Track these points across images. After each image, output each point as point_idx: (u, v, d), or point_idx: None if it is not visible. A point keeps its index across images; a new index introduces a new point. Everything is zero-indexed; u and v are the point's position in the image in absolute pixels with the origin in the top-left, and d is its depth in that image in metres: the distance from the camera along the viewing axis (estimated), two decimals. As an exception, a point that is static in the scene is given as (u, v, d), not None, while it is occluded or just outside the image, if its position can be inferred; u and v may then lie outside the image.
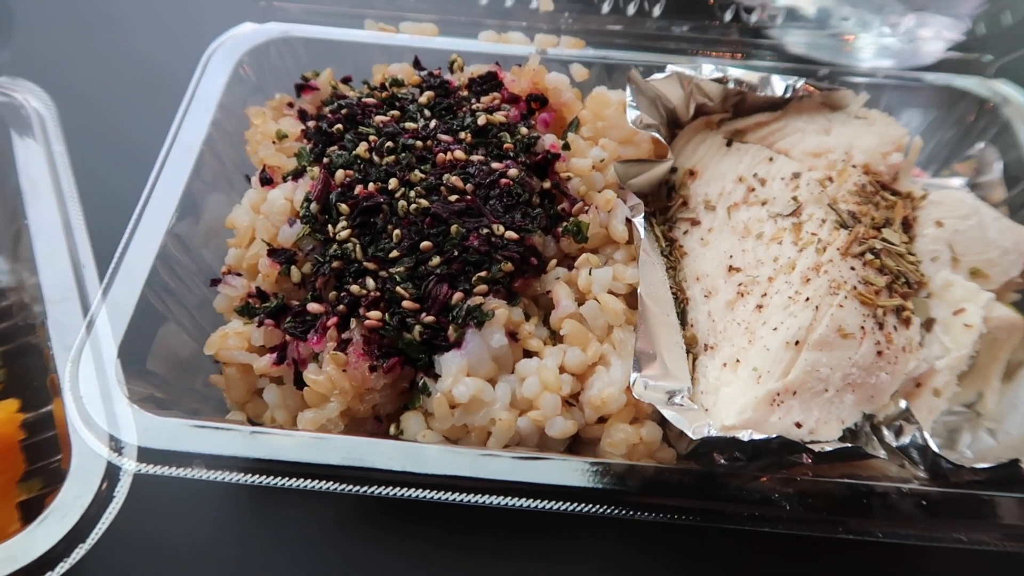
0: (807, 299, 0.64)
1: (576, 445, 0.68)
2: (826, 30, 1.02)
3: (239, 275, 0.71)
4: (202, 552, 0.68)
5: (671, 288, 0.73)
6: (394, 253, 0.67)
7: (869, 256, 0.66)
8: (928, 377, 0.66)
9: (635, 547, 0.71)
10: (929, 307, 0.67)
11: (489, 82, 0.80)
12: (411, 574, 0.69)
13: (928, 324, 0.67)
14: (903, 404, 0.64)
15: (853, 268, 0.65)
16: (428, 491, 0.59)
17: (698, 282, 0.73)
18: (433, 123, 0.75)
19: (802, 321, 0.63)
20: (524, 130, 0.75)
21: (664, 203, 0.80)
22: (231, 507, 0.71)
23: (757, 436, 0.58)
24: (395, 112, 0.76)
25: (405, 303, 0.64)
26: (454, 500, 0.58)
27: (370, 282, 0.66)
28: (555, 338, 0.68)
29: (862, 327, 0.63)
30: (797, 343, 0.62)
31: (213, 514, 0.71)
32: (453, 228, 0.67)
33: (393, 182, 0.69)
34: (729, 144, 0.80)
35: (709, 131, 0.82)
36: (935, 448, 0.59)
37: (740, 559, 0.71)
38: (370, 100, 0.77)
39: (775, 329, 0.64)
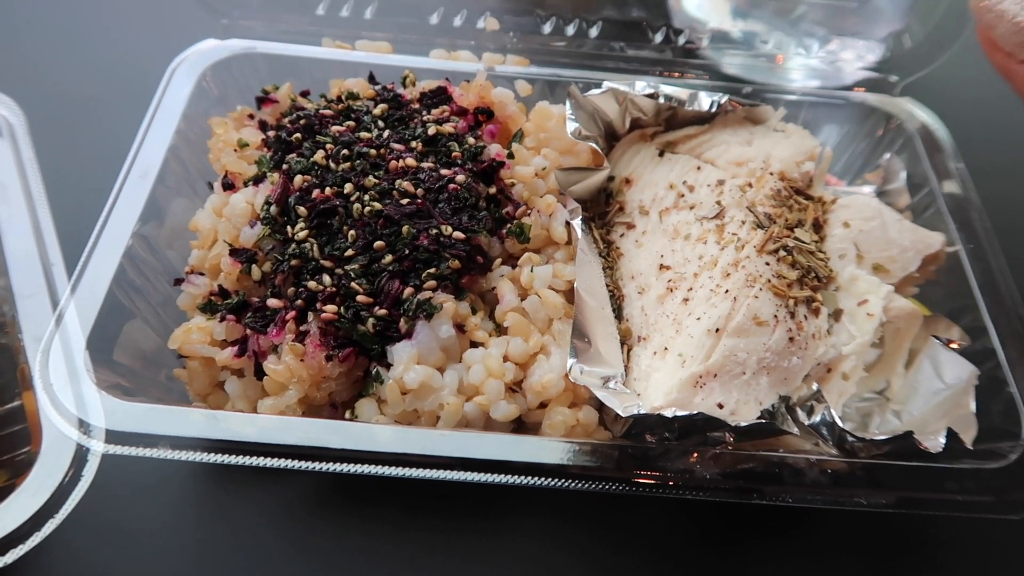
0: (727, 291, 0.70)
1: (520, 430, 0.73)
2: (752, 51, 1.10)
3: (202, 274, 0.75)
4: (166, 534, 0.72)
5: (608, 286, 0.79)
6: (349, 252, 0.71)
7: (782, 253, 0.73)
8: (837, 362, 0.73)
9: (579, 525, 0.76)
10: (837, 299, 0.74)
11: (439, 96, 0.85)
12: (370, 551, 0.73)
13: (836, 314, 0.74)
14: (815, 387, 0.71)
15: (768, 264, 0.72)
16: (382, 467, 0.63)
17: (633, 280, 0.79)
18: (386, 133, 0.80)
19: (722, 311, 0.69)
20: (471, 140, 0.81)
21: (602, 208, 0.86)
22: (194, 493, 0.75)
23: (681, 412, 0.64)
24: (351, 123, 0.81)
25: (359, 297, 0.69)
26: (406, 475, 0.63)
27: (327, 278, 0.70)
28: (500, 331, 0.74)
29: (775, 316, 0.69)
30: (717, 330, 0.69)
31: (177, 499, 0.74)
32: (404, 229, 0.72)
33: (348, 187, 0.74)
34: (661, 154, 0.87)
35: (643, 143, 0.89)
36: (841, 424, 0.66)
37: (673, 535, 0.76)
38: (327, 112, 0.82)
39: (698, 319, 0.70)
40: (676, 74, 1.03)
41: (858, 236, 0.77)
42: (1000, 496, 0.63)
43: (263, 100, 0.87)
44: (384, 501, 0.76)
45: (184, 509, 0.74)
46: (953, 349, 0.73)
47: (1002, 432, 0.69)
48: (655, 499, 0.68)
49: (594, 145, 0.82)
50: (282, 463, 0.62)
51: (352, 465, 0.64)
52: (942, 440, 0.65)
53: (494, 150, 0.81)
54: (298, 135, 0.79)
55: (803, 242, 0.74)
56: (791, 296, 0.70)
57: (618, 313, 0.78)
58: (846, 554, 0.75)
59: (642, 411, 0.65)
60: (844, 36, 1.09)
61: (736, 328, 0.68)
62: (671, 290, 0.75)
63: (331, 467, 0.63)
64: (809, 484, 0.64)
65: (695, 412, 0.64)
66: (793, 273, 0.72)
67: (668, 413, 0.64)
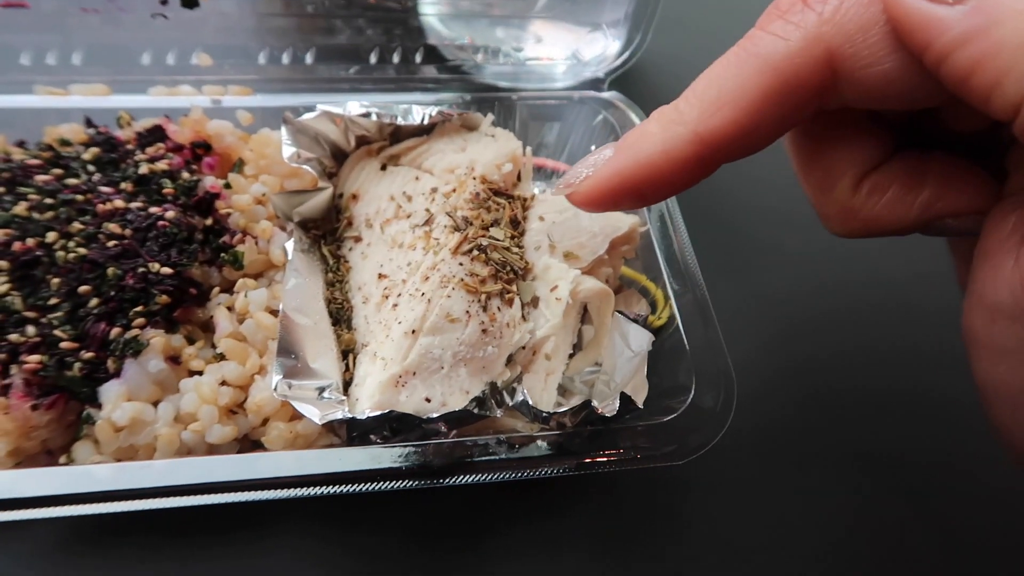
0: (423, 294, 0.76)
1: (255, 448, 0.76)
2: (497, 57, 1.17)
3: (-90, 339, 0.75)
4: None
5: (337, 299, 0.84)
6: (54, 300, 0.73)
7: (476, 252, 0.79)
8: (539, 344, 0.80)
9: (330, 523, 0.81)
10: (534, 288, 0.81)
11: (155, 134, 0.87)
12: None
13: (535, 302, 0.81)
14: (519, 370, 0.78)
15: (461, 264, 0.78)
16: (104, 504, 0.66)
17: (359, 291, 0.84)
18: (96, 177, 0.82)
19: (417, 313, 0.75)
20: (186, 175, 0.83)
21: (334, 225, 0.91)
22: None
23: (373, 413, 0.69)
24: (58, 170, 0.82)
25: (63, 344, 0.71)
26: (125, 510, 0.65)
27: (30, 329, 0.71)
28: (223, 357, 0.77)
29: (467, 312, 0.75)
30: (414, 331, 0.74)
31: None
32: (110, 271, 0.74)
33: (52, 235, 0.76)
34: (384, 168, 0.92)
35: (369, 158, 0.94)
36: (529, 400, 0.73)
37: (422, 520, 0.82)
38: (34, 161, 0.82)
39: (400, 323, 0.76)
40: (428, 87, 1.09)
41: (551, 228, 0.84)
42: (665, 446, 0.72)
43: (-23, 155, 0.86)
44: (136, 534, 0.78)
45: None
46: (635, 320, 0.81)
47: (681, 389, 0.78)
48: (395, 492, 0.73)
49: (307, 167, 0.86)
50: (-7, 517, 0.64)
51: (71, 508, 0.66)
52: (616, 404, 0.72)
53: (208, 182, 0.84)
54: (1, 189, 0.80)
55: (497, 240, 0.81)
56: (483, 291, 0.77)
57: (348, 324, 0.82)
58: (576, 512, 0.83)
59: (346, 416, 0.70)
60: (586, 33, 1.18)
61: (430, 327, 0.74)
62: (386, 297, 0.80)
63: (47, 513, 0.65)
64: (497, 461, 0.70)
65: (388, 410, 0.69)
66: (486, 270, 0.78)
67: (361, 415, 0.69)
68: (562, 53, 1.12)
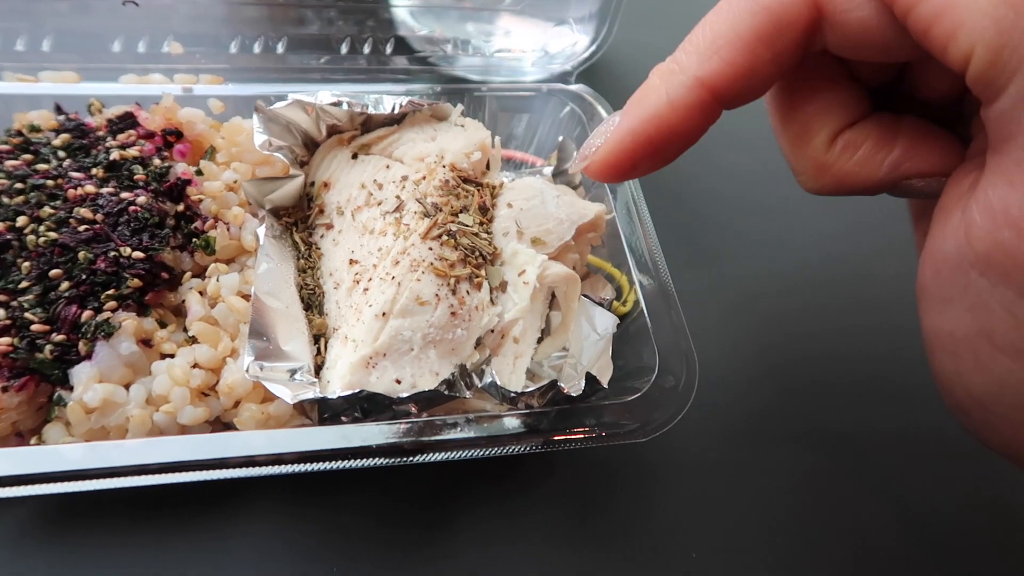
0: (393, 277, 0.78)
1: (227, 431, 0.77)
2: (468, 50, 1.19)
3: None
4: None
5: (309, 285, 0.85)
6: (24, 283, 0.73)
7: (445, 238, 0.81)
8: (508, 328, 0.82)
9: (304, 501, 0.82)
10: (502, 273, 0.83)
11: (126, 121, 0.88)
12: (93, 564, 0.75)
13: (503, 286, 0.83)
14: (488, 353, 0.80)
15: (431, 249, 0.79)
16: (74, 483, 0.66)
17: (331, 277, 0.85)
18: (67, 162, 0.82)
19: (388, 296, 0.76)
20: (157, 161, 0.84)
21: (305, 213, 0.92)
22: None
23: (344, 393, 0.71)
24: (28, 156, 0.82)
25: (34, 327, 0.71)
26: (93, 488, 0.66)
27: (0, 312, 0.72)
28: (194, 340, 0.78)
29: (437, 295, 0.77)
30: (384, 314, 0.76)
31: None
32: (81, 254, 0.75)
33: (22, 220, 0.76)
34: (355, 157, 0.93)
35: (341, 147, 0.95)
36: (498, 382, 0.75)
37: (393, 500, 0.83)
38: (3, 147, 0.82)
39: (371, 306, 0.77)
40: (398, 78, 1.11)
41: (519, 214, 0.86)
42: (630, 424, 0.74)
43: (-55, 141, 0.86)
44: (105, 514, 0.78)
45: None
46: (600, 304, 0.83)
47: (646, 370, 0.80)
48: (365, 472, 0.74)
49: (279, 155, 0.87)
50: (-41, 497, 0.64)
51: (42, 487, 0.66)
52: (582, 384, 0.75)
53: (180, 169, 0.84)
54: (-30, 174, 0.80)
55: (466, 225, 0.82)
56: (452, 275, 0.78)
57: (320, 309, 0.84)
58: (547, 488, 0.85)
59: (317, 396, 0.72)
60: (554, 27, 1.20)
61: (400, 310, 0.76)
62: (357, 282, 0.82)
63: (17, 492, 0.66)
64: (470, 440, 0.72)
65: (359, 390, 0.71)
66: (455, 255, 0.80)
67: (333, 395, 0.70)
68: (530, 47, 1.14)
